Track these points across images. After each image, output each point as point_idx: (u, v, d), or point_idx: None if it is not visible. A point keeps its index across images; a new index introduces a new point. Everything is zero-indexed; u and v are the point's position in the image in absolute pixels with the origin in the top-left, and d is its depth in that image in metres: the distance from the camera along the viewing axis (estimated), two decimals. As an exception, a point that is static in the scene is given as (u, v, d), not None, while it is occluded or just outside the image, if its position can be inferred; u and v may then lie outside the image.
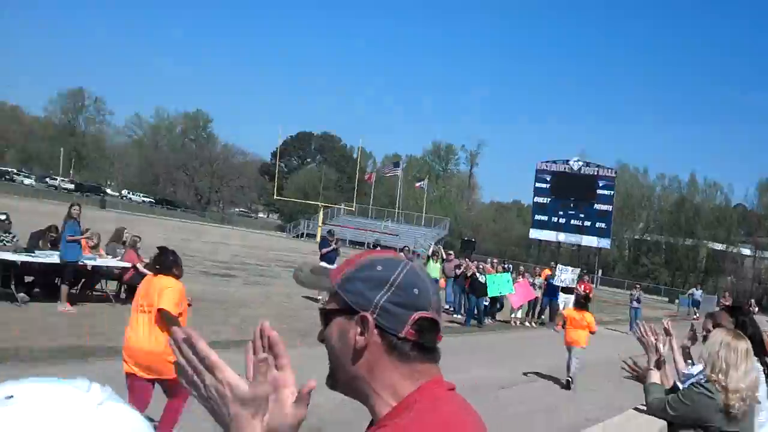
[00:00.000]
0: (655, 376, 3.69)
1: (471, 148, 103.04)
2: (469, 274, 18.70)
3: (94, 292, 13.07)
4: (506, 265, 21.29)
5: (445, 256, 21.05)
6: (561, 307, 19.92)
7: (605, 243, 60.19)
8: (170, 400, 5.45)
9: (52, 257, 11.53)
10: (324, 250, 17.74)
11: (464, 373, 10.36)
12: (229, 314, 13.37)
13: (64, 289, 11.16)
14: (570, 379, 11.25)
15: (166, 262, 5.55)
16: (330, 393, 1.27)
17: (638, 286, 24.92)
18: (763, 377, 3.76)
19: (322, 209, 53.15)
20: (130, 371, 5.26)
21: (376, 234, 40.06)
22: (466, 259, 20.45)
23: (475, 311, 18.27)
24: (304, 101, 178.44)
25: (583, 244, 60.52)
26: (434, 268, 19.79)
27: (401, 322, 1.15)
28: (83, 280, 12.69)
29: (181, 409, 5.46)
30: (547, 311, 20.83)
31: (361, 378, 1.18)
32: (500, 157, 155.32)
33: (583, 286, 19.22)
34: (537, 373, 12.31)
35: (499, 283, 18.47)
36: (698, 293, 35.05)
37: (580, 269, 22.05)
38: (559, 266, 21.64)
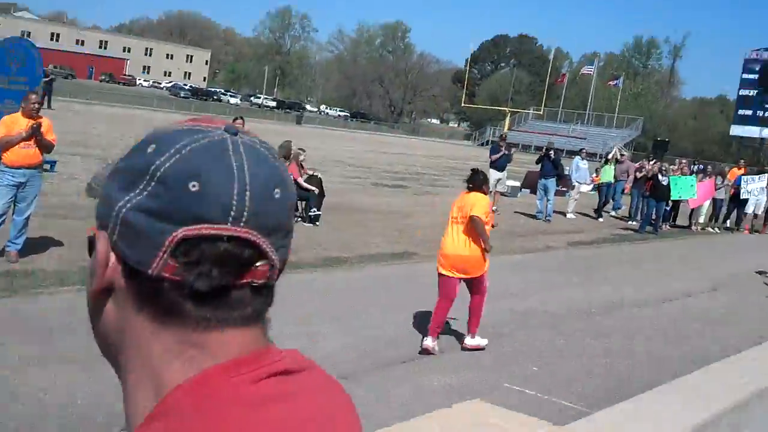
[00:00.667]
0: None
1: (675, 40, 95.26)
2: (649, 176, 17.17)
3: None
4: (695, 167, 19.51)
5: (619, 158, 19.32)
6: (751, 210, 18.29)
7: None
8: (473, 297, 6.48)
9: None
10: (493, 157, 16.32)
11: (628, 287, 10.01)
12: (388, 226, 12.99)
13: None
14: None
15: (477, 181, 6.55)
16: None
17: None
18: None
19: (509, 115, 52.00)
20: (444, 273, 6.35)
21: (561, 138, 38.53)
22: (649, 161, 18.85)
23: (653, 216, 16.73)
24: (502, 3, 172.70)
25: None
26: (608, 171, 18.48)
27: (151, 246, 0.62)
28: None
29: (482, 305, 6.46)
30: (733, 216, 18.92)
31: (111, 348, 0.69)
32: (707, 49, 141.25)
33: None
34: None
35: (681, 186, 16.96)
36: None
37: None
38: (744, 178, 18.52)
